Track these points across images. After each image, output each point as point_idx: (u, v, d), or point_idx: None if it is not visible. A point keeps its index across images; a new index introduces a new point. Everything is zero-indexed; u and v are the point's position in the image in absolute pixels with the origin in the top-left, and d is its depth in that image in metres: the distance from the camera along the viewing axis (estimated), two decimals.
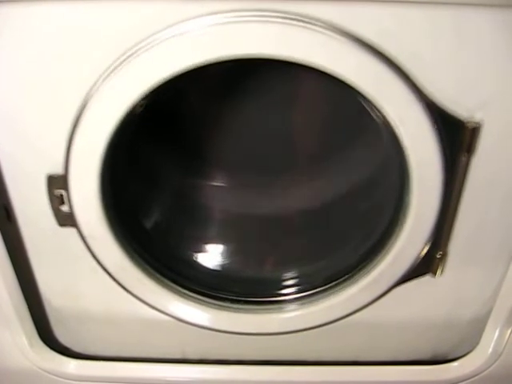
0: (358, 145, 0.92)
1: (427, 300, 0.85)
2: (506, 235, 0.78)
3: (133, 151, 0.81)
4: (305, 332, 0.85)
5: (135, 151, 0.83)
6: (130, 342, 0.93)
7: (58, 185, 0.71)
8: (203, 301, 0.84)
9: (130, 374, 0.93)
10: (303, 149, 0.99)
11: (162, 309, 0.84)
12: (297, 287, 0.88)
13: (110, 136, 0.66)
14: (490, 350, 0.88)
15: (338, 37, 0.60)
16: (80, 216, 0.73)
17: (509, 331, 0.86)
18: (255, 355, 0.93)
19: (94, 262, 0.78)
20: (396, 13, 0.59)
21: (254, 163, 0.96)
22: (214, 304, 0.85)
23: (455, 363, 0.92)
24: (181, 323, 0.85)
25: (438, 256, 0.78)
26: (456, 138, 0.66)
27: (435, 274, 0.80)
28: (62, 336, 0.92)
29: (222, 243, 0.95)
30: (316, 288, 0.85)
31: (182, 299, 0.83)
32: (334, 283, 0.83)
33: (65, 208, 0.73)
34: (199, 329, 0.86)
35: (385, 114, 0.65)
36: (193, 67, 0.61)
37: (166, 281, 0.82)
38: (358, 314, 0.83)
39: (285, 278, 0.90)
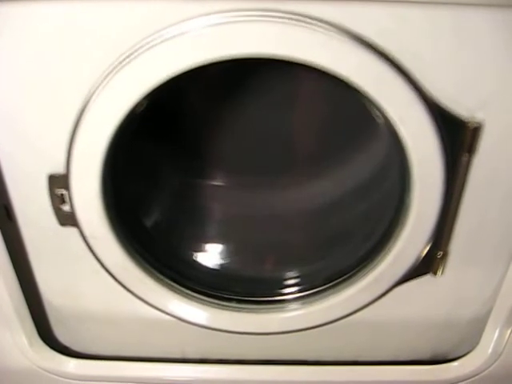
0: (359, 145, 0.92)
1: (427, 300, 0.85)
2: (507, 235, 0.78)
3: (133, 151, 0.81)
4: (305, 332, 0.85)
5: (136, 151, 0.83)
6: (130, 342, 0.93)
7: (58, 184, 0.71)
8: (203, 300, 0.84)
9: (130, 373, 0.93)
10: (303, 149, 0.99)
11: (163, 308, 0.84)
12: (297, 287, 0.88)
13: (111, 135, 0.66)
14: (490, 349, 0.88)
15: (338, 36, 0.60)
16: (81, 215, 0.73)
17: (509, 331, 0.86)
18: (255, 355, 0.93)
19: (95, 262, 0.78)
20: (396, 12, 0.59)
21: (254, 163, 0.96)
22: (215, 303, 0.85)
23: (455, 363, 0.92)
24: (181, 323, 0.85)
25: (439, 256, 0.78)
26: (457, 137, 0.66)
27: (436, 273, 0.80)
28: (62, 335, 0.92)
29: (223, 243, 0.95)
30: (316, 288, 0.85)
31: (182, 298, 0.83)
32: (334, 283, 0.83)
33: (66, 207, 0.73)
34: (199, 328, 0.86)
35: (385, 113, 0.64)
36: (193, 67, 0.61)
37: (166, 280, 0.82)
38: (358, 314, 0.83)
39: (285, 277, 0.90)
